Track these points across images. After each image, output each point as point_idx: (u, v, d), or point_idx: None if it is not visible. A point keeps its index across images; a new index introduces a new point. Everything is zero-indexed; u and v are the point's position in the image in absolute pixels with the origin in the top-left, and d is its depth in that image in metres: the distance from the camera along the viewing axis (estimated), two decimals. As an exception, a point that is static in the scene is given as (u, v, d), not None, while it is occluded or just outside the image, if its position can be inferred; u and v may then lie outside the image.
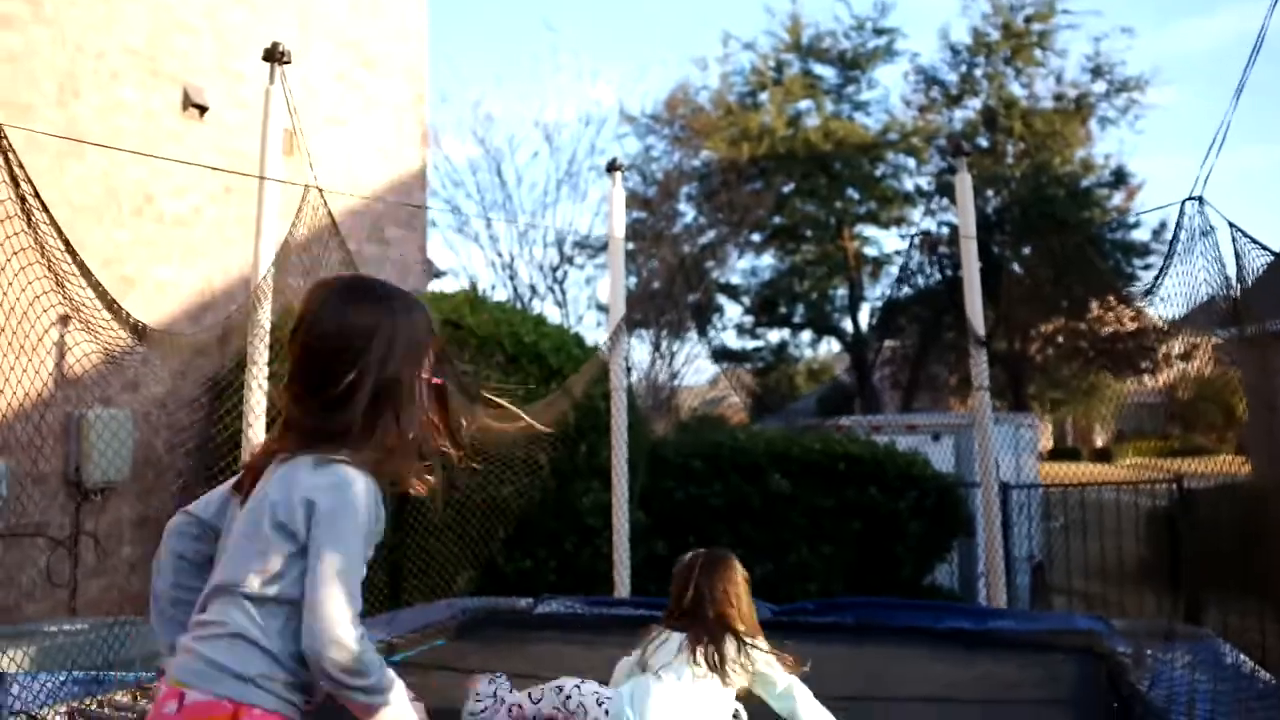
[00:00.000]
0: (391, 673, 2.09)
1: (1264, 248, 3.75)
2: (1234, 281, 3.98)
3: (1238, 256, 3.89)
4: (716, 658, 3.69)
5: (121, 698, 4.11)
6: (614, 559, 7.59)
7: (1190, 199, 4.40)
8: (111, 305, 4.63)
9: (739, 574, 3.91)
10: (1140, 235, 25.22)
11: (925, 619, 5.96)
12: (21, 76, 7.93)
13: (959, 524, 10.14)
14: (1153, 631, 4.79)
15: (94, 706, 3.94)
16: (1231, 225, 3.96)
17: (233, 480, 2.33)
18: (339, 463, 2.11)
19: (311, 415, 2.16)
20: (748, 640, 3.75)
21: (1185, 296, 4.67)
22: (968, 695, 4.49)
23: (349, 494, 2.09)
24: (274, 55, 5.84)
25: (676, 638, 3.77)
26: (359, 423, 2.13)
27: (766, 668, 3.74)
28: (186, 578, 2.33)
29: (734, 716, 3.76)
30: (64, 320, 5.11)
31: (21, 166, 3.99)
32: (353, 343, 2.14)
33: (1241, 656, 4.21)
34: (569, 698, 3.75)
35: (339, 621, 2.02)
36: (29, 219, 4.06)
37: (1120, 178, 26.28)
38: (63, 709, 3.82)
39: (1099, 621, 5.72)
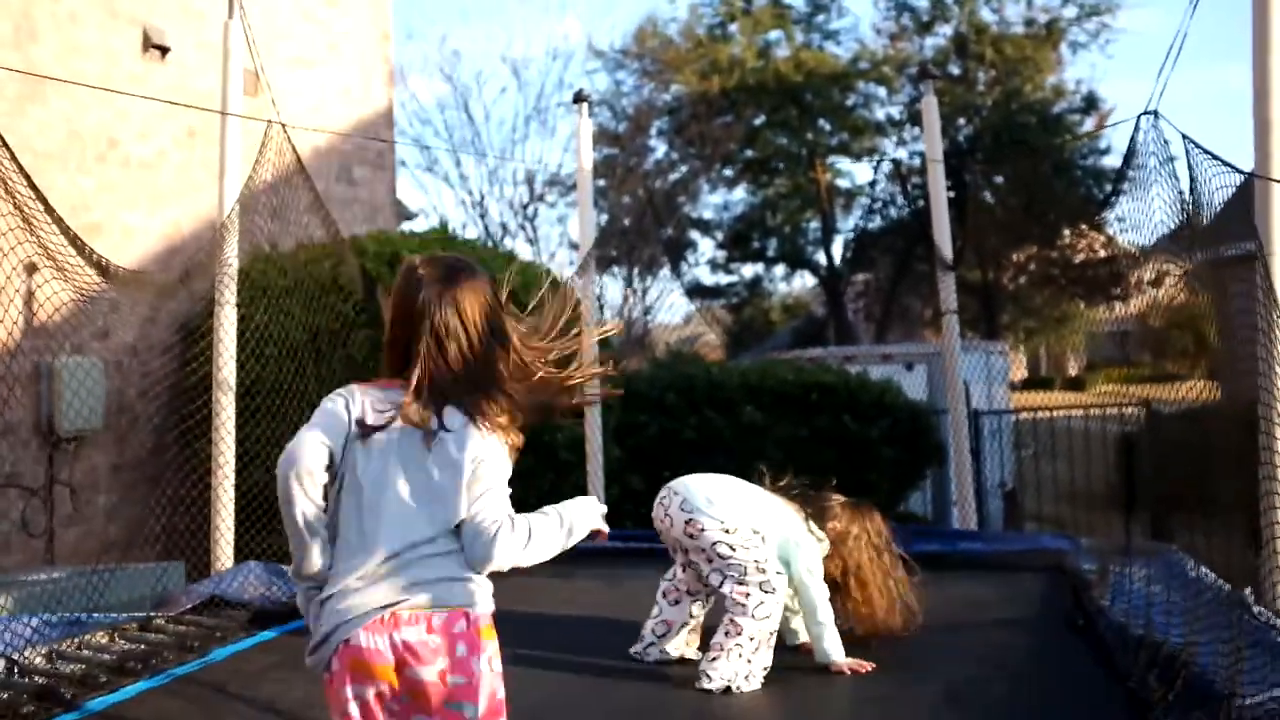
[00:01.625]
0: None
1: (1215, 157, 3.73)
2: (1186, 200, 3.98)
3: (1190, 170, 3.88)
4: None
5: (99, 639, 4.14)
6: (588, 494, 7.65)
7: (1145, 113, 4.40)
8: (76, 241, 4.59)
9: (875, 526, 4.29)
10: (1112, 161, 25.22)
11: (899, 543, 6.02)
12: (-24, 20, 7.79)
13: (931, 451, 10.23)
14: (1117, 549, 4.88)
15: (70, 648, 3.97)
16: (1185, 138, 3.94)
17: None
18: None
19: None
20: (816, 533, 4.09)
21: (1149, 221, 4.67)
22: (938, 613, 4.56)
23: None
24: (231, -10, 5.77)
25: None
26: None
27: (808, 576, 3.95)
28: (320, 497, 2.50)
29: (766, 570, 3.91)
30: (31, 269, 5.07)
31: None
32: None
33: (1201, 569, 4.30)
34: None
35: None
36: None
37: (1091, 103, 26.22)
38: (41, 651, 3.85)
39: (1066, 540, 5.82)
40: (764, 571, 3.78)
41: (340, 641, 2.37)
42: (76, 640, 4.06)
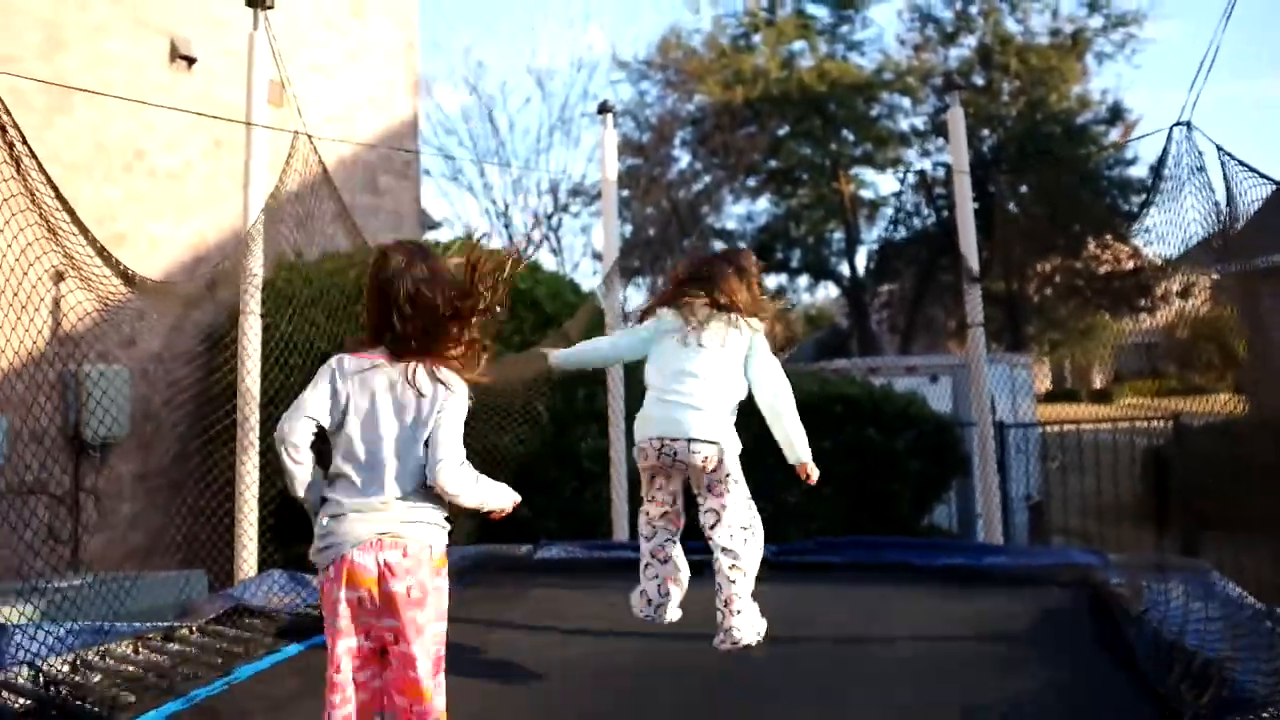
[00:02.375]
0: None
1: (1251, 169, 3.70)
2: (1223, 212, 3.93)
3: (1226, 182, 3.84)
4: (704, 316, 4.09)
5: (122, 648, 4.14)
6: (612, 503, 7.63)
7: (1178, 124, 4.35)
8: (102, 252, 4.60)
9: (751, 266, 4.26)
10: (1138, 172, 25.08)
11: (923, 557, 5.99)
12: (4, 28, 7.84)
13: (956, 463, 10.16)
14: (1147, 564, 4.81)
15: (95, 657, 3.97)
16: (1220, 149, 3.90)
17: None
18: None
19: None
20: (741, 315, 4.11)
21: (1179, 232, 4.62)
22: (964, 629, 4.52)
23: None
24: (256, 0, 5.79)
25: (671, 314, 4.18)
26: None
27: (762, 359, 4.11)
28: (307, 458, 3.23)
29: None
30: (59, 277, 5.09)
31: (9, 113, 3.94)
32: None
33: (1233, 586, 4.24)
34: None
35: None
36: (18, 166, 4.02)
37: (1116, 114, 26.10)
38: (65, 659, 3.85)
39: (1095, 555, 5.75)
40: (750, 508, 3.95)
41: (339, 555, 3.09)
42: (101, 649, 4.06)
